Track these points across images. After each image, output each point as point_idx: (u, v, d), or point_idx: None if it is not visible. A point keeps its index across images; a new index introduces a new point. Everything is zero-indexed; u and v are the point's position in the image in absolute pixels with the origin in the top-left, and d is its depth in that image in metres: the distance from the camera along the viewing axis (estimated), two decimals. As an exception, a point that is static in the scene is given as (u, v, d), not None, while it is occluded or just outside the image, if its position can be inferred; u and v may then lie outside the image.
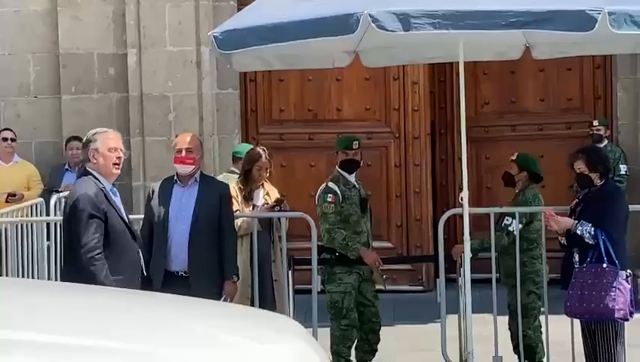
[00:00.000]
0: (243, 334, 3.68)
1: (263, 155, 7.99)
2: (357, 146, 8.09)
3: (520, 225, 7.79)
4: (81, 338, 3.35)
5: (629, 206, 7.32)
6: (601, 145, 10.18)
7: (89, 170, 6.20)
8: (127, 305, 4.03)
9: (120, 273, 6.04)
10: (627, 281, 6.77)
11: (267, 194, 8.02)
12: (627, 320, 6.81)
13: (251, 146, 8.75)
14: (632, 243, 8.71)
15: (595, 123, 10.68)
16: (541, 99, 11.45)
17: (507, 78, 11.31)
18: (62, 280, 6.52)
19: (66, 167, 10.60)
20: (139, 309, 3.93)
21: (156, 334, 3.51)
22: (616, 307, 6.70)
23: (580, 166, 7.03)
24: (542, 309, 7.95)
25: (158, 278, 6.80)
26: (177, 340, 3.46)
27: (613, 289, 6.70)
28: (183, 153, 7.01)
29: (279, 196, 7.94)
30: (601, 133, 10.61)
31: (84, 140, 6.42)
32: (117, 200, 6.25)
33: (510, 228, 7.84)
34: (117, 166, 6.20)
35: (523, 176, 8.10)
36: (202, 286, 6.67)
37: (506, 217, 7.88)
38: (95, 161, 6.17)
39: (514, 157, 8.21)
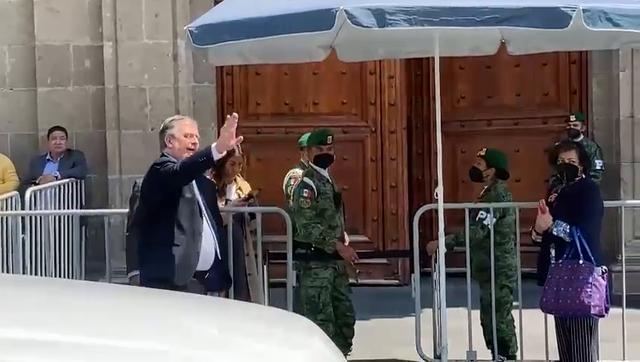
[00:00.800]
0: (269, 336, 3.66)
1: (237, 150, 7.99)
2: (331, 141, 8.12)
3: (494, 220, 7.84)
4: (116, 340, 3.35)
5: (604, 201, 7.37)
6: (578, 140, 10.21)
7: (165, 155, 6.50)
8: (153, 306, 3.99)
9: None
10: (603, 278, 6.81)
11: (240, 188, 8.03)
12: (603, 316, 6.86)
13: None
14: (606, 238, 8.74)
15: (572, 118, 10.73)
16: (517, 94, 11.49)
17: (483, 72, 11.34)
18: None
19: (48, 157, 10.60)
20: (162, 311, 3.91)
21: (183, 337, 3.47)
22: (592, 303, 6.74)
23: (572, 156, 7.06)
24: (515, 303, 7.99)
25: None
26: (208, 342, 3.44)
27: (589, 285, 6.75)
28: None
29: (252, 192, 7.97)
30: (578, 128, 10.66)
31: (161, 127, 6.73)
32: None
33: (485, 223, 7.88)
34: (191, 151, 6.47)
35: (491, 172, 8.13)
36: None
37: (480, 211, 7.91)
38: (171, 146, 6.51)
39: (482, 153, 8.23)
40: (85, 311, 3.71)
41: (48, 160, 10.56)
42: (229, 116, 6.34)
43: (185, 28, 6.84)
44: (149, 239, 6.49)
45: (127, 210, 7.49)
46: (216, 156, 6.23)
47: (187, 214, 6.47)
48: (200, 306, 4.15)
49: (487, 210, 7.85)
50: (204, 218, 6.58)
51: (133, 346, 3.30)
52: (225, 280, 6.89)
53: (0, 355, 3.14)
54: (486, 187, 8.18)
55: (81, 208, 10.23)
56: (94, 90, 10.78)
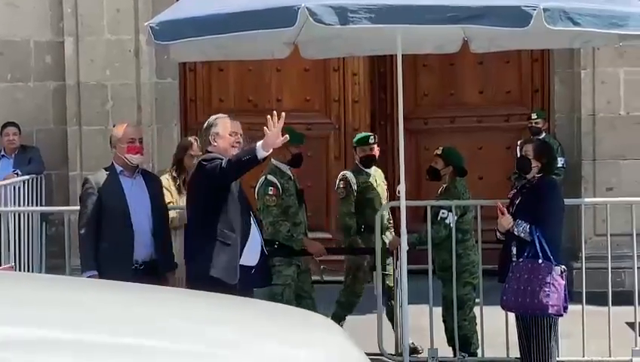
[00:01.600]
0: (292, 334, 3.65)
1: (195, 143, 8.02)
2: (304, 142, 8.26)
3: (455, 218, 7.87)
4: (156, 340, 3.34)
5: (565, 199, 7.41)
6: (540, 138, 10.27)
7: (210, 152, 6.60)
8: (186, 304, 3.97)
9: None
10: (562, 277, 6.85)
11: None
12: (561, 315, 6.90)
13: (369, 134, 9.11)
14: (567, 236, 8.81)
15: (534, 116, 10.77)
16: (480, 92, 11.52)
17: (446, 70, 11.36)
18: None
19: (2, 153, 10.51)
20: (194, 308, 3.90)
21: (220, 335, 3.48)
22: (550, 303, 6.78)
23: (528, 150, 7.13)
24: (477, 301, 8.02)
25: (127, 269, 6.70)
26: (233, 343, 3.43)
27: (548, 285, 6.79)
28: (137, 143, 6.96)
29: None
30: (540, 126, 10.71)
31: (204, 125, 6.83)
32: None
33: (447, 221, 7.91)
34: (235, 148, 6.61)
35: (449, 171, 8.16)
36: (170, 276, 6.96)
37: (442, 211, 7.94)
38: (215, 144, 6.62)
39: (439, 152, 8.26)
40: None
41: (3, 156, 10.49)
42: (273, 115, 6.32)
43: (146, 24, 6.79)
44: (200, 237, 6.52)
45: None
46: (261, 155, 6.29)
47: (235, 212, 6.52)
48: (223, 305, 4.13)
49: (449, 209, 7.87)
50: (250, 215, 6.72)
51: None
52: (267, 277, 7.05)
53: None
54: (445, 185, 8.20)
55: (41, 205, 10.16)
56: (55, 86, 10.70)
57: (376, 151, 8.78)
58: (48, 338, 3.25)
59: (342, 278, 8.86)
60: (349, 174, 8.81)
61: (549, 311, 6.80)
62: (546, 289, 6.78)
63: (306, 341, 3.64)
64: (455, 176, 8.17)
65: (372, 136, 8.92)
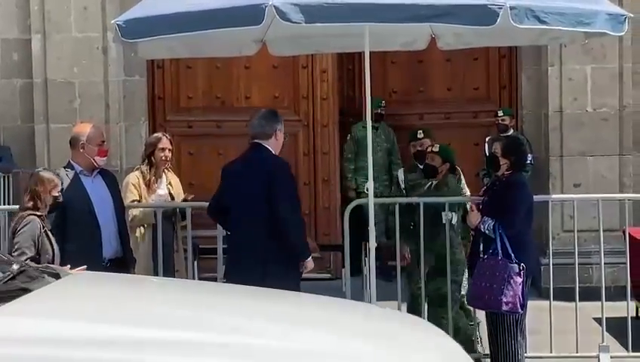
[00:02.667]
0: (404, 336, 3.67)
1: (164, 137, 8.04)
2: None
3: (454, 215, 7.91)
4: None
5: (534, 196, 7.44)
6: (508, 135, 10.32)
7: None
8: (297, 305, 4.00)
9: None
10: (519, 275, 6.88)
11: (170, 183, 8.00)
12: (517, 312, 6.93)
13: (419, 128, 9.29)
14: (535, 232, 8.84)
15: (500, 113, 10.82)
16: (448, 88, 11.56)
17: (415, 67, 11.39)
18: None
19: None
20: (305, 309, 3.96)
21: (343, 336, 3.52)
22: (504, 300, 6.83)
23: (497, 148, 7.17)
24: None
25: (98, 268, 6.67)
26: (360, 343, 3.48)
27: (504, 282, 6.83)
28: (104, 145, 6.99)
29: (187, 195, 8.03)
30: (507, 122, 10.75)
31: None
32: None
33: (453, 222, 7.91)
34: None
35: (445, 168, 8.18)
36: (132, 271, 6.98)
37: (445, 213, 7.86)
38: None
39: (435, 149, 8.23)
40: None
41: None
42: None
43: (113, 22, 6.75)
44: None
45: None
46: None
47: None
48: (335, 308, 4.13)
49: (452, 210, 7.89)
50: None
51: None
52: None
53: None
54: (434, 182, 8.17)
55: (9, 203, 10.09)
56: (22, 83, 10.63)
57: (428, 145, 8.64)
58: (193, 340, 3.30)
59: (310, 274, 8.85)
60: (399, 172, 8.89)
61: (503, 308, 6.85)
62: (502, 287, 6.83)
63: (420, 343, 3.62)
64: (448, 173, 8.18)
65: (420, 131, 8.95)
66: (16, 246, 6.21)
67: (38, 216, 6.30)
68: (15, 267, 4.07)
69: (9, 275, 3.95)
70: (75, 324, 3.43)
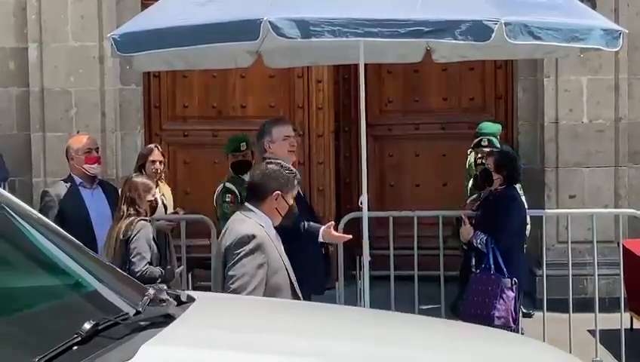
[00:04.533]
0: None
1: (155, 149, 8.08)
2: (245, 148, 8.27)
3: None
4: None
5: (528, 210, 7.45)
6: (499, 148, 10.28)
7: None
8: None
9: None
10: (512, 289, 6.92)
11: (163, 195, 8.04)
12: (510, 327, 6.97)
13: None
14: (530, 243, 8.86)
15: (484, 142, 10.69)
16: (444, 98, 11.57)
17: (411, 76, 11.41)
18: None
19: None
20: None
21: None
22: (497, 314, 6.87)
23: (490, 163, 7.19)
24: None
25: None
26: None
27: (497, 297, 6.87)
28: (94, 152, 7.00)
29: (178, 210, 8.05)
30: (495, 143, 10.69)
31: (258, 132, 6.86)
32: None
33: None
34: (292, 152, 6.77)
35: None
36: None
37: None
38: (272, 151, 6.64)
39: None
40: None
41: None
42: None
43: (108, 35, 6.78)
44: None
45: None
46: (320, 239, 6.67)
47: None
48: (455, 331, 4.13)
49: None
50: None
51: None
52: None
53: None
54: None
55: (4, 212, 10.09)
56: (19, 92, 10.63)
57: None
58: None
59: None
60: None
61: (496, 323, 6.88)
62: (494, 301, 6.87)
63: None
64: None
65: (485, 139, 8.95)
66: (134, 252, 6.24)
67: (148, 221, 6.39)
68: (151, 291, 3.80)
69: (148, 300, 3.70)
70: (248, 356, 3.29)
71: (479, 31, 6.18)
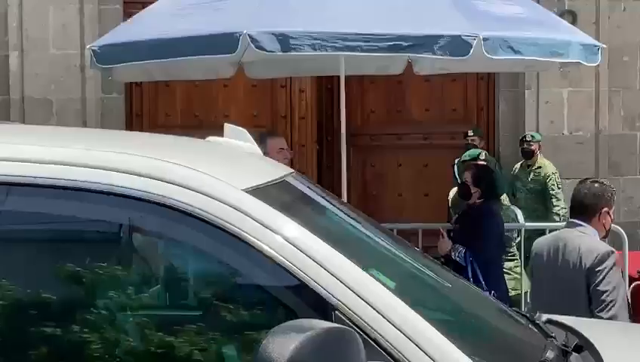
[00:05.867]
0: None
1: None
2: None
3: None
4: None
5: (505, 224, 7.45)
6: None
7: None
8: None
9: None
10: None
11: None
12: None
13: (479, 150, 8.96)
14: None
15: (470, 133, 10.78)
16: (426, 109, 11.59)
17: (393, 87, 11.41)
18: None
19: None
20: None
21: None
22: None
23: (467, 177, 7.19)
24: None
25: None
26: None
27: None
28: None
29: None
30: (476, 143, 10.74)
31: None
32: None
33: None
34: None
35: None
36: None
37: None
38: None
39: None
40: None
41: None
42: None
43: (88, 47, 6.77)
44: None
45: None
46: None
47: None
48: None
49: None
50: None
51: None
52: None
53: None
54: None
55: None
56: (-1, 99, 10.62)
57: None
58: None
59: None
60: None
61: None
62: None
63: None
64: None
65: (482, 153, 8.81)
66: None
67: None
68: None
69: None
70: None
71: (458, 46, 6.19)
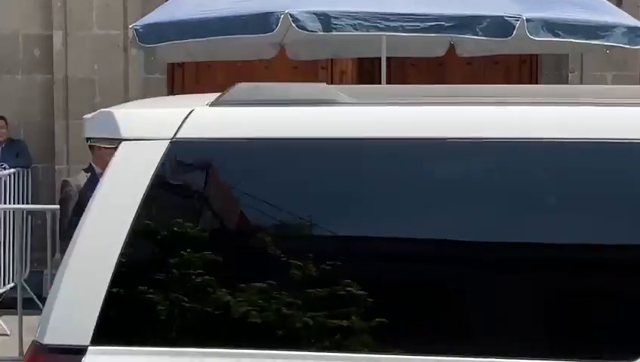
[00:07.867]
0: None
1: None
2: None
3: None
4: None
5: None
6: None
7: None
8: None
9: None
10: None
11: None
12: None
13: None
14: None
15: None
16: (468, 92, 11.50)
17: (435, 70, 11.33)
18: None
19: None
20: None
21: None
22: None
23: None
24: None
25: None
26: None
27: None
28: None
29: None
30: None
31: None
32: None
33: None
34: None
35: None
36: None
37: None
38: None
39: None
40: None
41: (-8, 146, 10.49)
42: None
43: (131, 26, 6.80)
44: None
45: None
46: None
47: None
48: None
49: None
50: None
51: None
52: None
53: None
54: None
55: (27, 199, 10.15)
56: (43, 79, 10.68)
57: None
58: None
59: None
60: None
61: None
62: None
63: None
64: None
65: None
66: None
67: None
68: None
69: None
70: None
71: (501, 27, 6.16)
